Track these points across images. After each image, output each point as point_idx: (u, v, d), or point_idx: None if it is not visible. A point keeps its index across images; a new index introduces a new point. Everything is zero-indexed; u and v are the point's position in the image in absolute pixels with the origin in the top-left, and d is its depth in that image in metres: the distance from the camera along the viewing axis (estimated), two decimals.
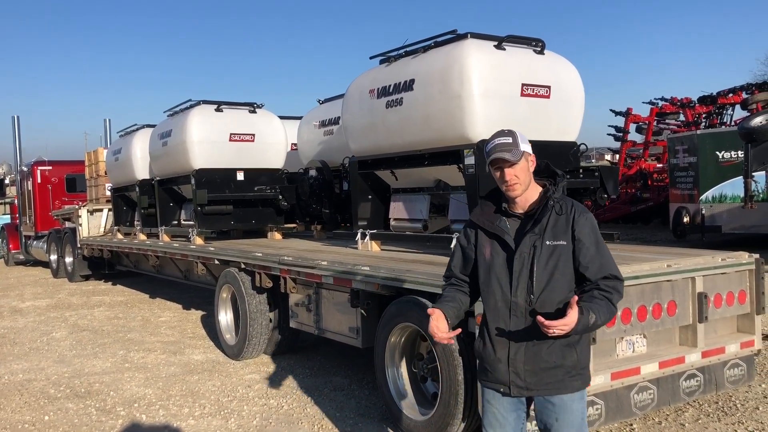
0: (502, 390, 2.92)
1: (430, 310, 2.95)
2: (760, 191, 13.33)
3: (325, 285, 5.87)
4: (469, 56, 5.49)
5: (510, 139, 2.86)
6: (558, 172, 2.96)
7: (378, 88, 6.32)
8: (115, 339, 8.79)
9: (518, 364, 2.85)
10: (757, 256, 5.30)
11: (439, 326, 2.89)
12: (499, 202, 2.97)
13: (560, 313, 2.72)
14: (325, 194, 8.42)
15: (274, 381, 6.46)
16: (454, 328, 2.94)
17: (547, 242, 2.81)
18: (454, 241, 3.14)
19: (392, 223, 6.86)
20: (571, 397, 2.87)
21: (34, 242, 17.61)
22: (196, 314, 10.20)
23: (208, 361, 7.40)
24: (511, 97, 5.62)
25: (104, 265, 13.73)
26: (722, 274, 5.13)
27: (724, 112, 18.77)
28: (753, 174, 10.47)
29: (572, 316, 2.64)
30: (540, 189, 2.93)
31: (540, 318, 2.66)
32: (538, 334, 2.76)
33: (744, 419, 4.95)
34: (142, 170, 10.79)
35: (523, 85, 5.67)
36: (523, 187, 2.87)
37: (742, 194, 11.29)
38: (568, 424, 2.87)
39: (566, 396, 2.86)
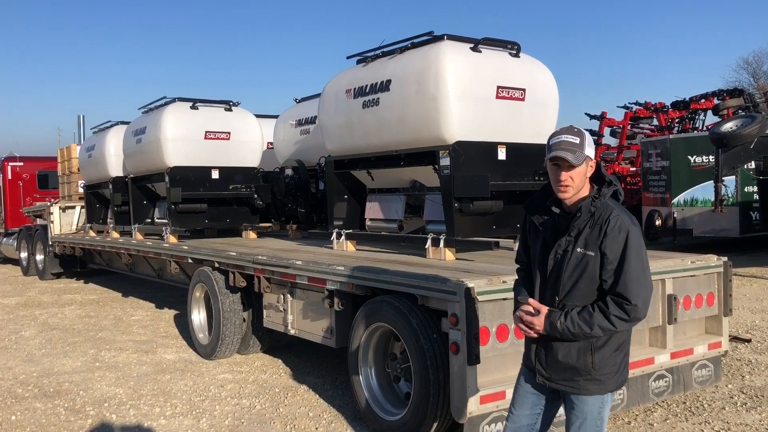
0: (531, 373, 3.02)
1: (525, 307, 2.93)
2: (730, 195, 13.58)
3: (299, 285, 5.86)
4: (445, 58, 5.51)
5: (577, 140, 2.77)
6: (606, 179, 2.87)
7: (354, 88, 6.33)
8: (86, 338, 8.68)
9: (542, 355, 2.93)
10: (725, 259, 5.40)
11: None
12: (550, 197, 2.94)
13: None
14: (301, 194, 8.40)
15: (247, 381, 6.43)
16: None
17: (578, 249, 2.78)
18: None
19: (368, 223, 6.87)
20: (585, 399, 2.88)
21: (4, 239, 17.32)
22: (169, 313, 10.11)
23: (181, 360, 7.34)
24: (486, 99, 5.66)
25: (76, 263, 13.57)
26: (691, 276, 5.22)
27: (697, 117, 19.05)
28: (723, 178, 10.68)
29: (540, 317, 2.82)
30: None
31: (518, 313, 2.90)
32: None
33: (711, 419, 5.04)
34: (115, 167, 10.67)
35: (498, 87, 5.71)
36: (575, 191, 2.81)
37: (712, 198, 11.50)
38: (579, 418, 2.91)
39: (582, 397, 2.88)
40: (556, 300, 2.84)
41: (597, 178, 2.89)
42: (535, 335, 2.87)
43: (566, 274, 2.80)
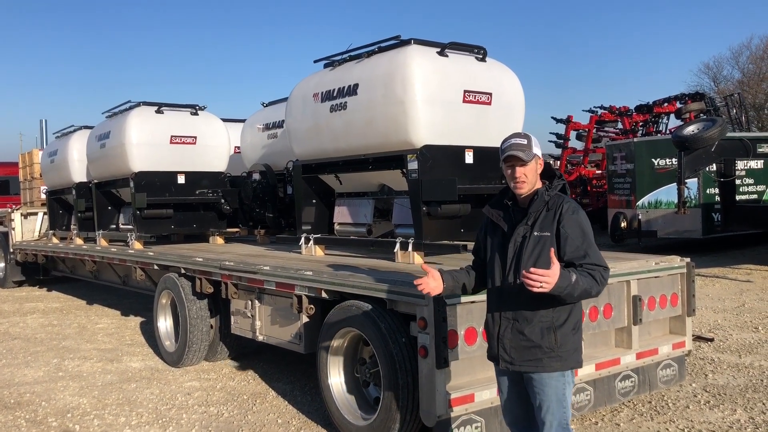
0: (496, 363, 3.29)
1: (424, 266, 3.36)
2: (692, 197, 13.87)
3: (267, 290, 5.81)
4: (412, 62, 5.52)
5: (525, 141, 3.21)
6: (556, 174, 3.32)
7: (322, 92, 6.30)
8: (49, 347, 8.49)
9: (505, 341, 3.21)
10: (688, 260, 5.50)
11: (427, 280, 3.30)
12: (507, 196, 3.34)
13: (542, 300, 3.04)
14: (269, 198, 8.33)
15: (215, 388, 6.35)
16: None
17: (535, 233, 3.15)
18: None
19: (336, 227, 6.84)
20: (549, 375, 3.14)
21: None
22: (134, 321, 9.95)
23: (147, 368, 7.22)
24: (453, 103, 5.68)
25: (39, 271, 13.24)
26: (655, 277, 5.30)
27: (660, 120, 19.44)
28: (686, 181, 10.89)
29: (554, 269, 2.90)
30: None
31: (524, 271, 2.95)
32: (523, 315, 3.14)
33: (675, 418, 5.12)
34: (79, 173, 10.47)
35: (465, 91, 5.73)
36: (529, 186, 3.21)
37: (676, 200, 11.72)
38: (546, 401, 3.16)
39: (544, 374, 3.14)
40: (518, 281, 3.09)
41: (548, 176, 3.29)
42: (537, 290, 2.91)
43: (526, 255, 3.13)
